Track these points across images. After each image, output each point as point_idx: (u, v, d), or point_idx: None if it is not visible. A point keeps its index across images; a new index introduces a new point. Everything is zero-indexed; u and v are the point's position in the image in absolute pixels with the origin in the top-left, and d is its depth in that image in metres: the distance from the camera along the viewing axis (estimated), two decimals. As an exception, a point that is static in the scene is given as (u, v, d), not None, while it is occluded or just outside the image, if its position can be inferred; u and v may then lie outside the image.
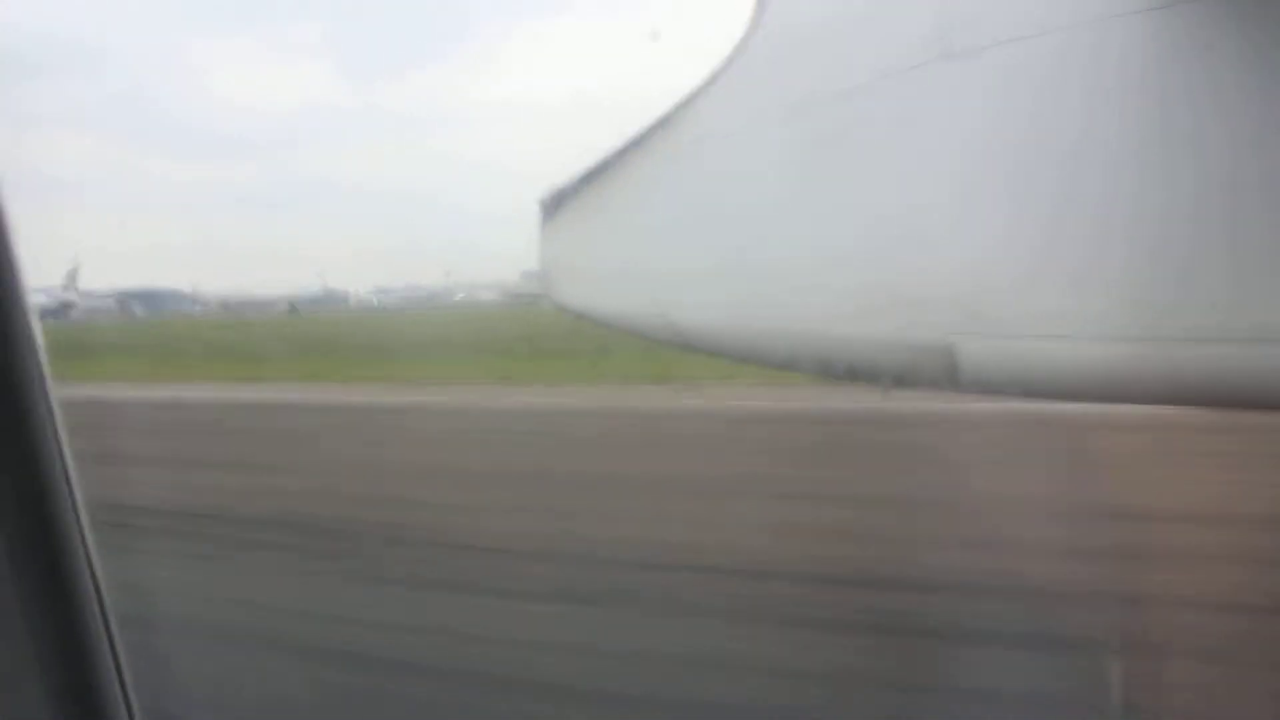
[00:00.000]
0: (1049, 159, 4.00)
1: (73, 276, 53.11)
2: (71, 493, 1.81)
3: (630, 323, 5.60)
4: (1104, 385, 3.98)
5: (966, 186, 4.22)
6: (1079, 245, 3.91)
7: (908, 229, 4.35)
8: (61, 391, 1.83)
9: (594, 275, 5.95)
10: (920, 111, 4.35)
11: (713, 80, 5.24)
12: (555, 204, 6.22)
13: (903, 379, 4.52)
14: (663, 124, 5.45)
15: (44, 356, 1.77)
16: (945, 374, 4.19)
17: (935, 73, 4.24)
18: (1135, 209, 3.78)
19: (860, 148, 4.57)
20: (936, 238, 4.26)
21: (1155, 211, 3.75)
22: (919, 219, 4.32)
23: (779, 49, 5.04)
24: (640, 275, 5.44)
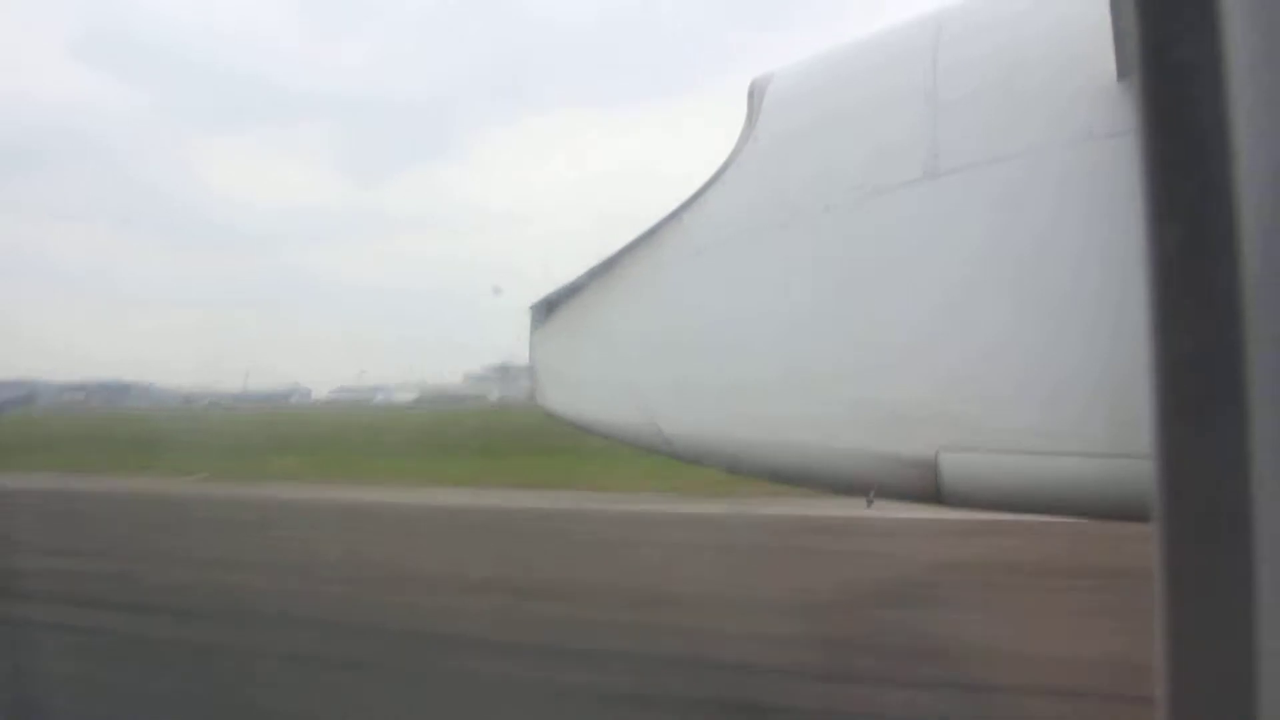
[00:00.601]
0: (1034, 276, 4.06)
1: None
2: None
3: (619, 431, 5.59)
4: (1087, 501, 3.97)
5: (951, 302, 4.27)
6: (1063, 361, 3.95)
7: (893, 343, 4.40)
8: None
9: (583, 383, 5.96)
10: (907, 228, 4.43)
11: (702, 192, 5.33)
12: (546, 310, 6.26)
13: (886, 491, 4.51)
14: (652, 234, 5.53)
15: None
16: (928, 487, 4.19)
17: (922, 190, 4.33)
18: (1119, 326, 3.81)
19: (847, 262, 4.65)
20: (921, 352, 4.31)
21: (1140, 328, 3.78)
22: (904, 334, 4.37)
23: (768, 163, 5.14)
24: (628, 384, 5.45)
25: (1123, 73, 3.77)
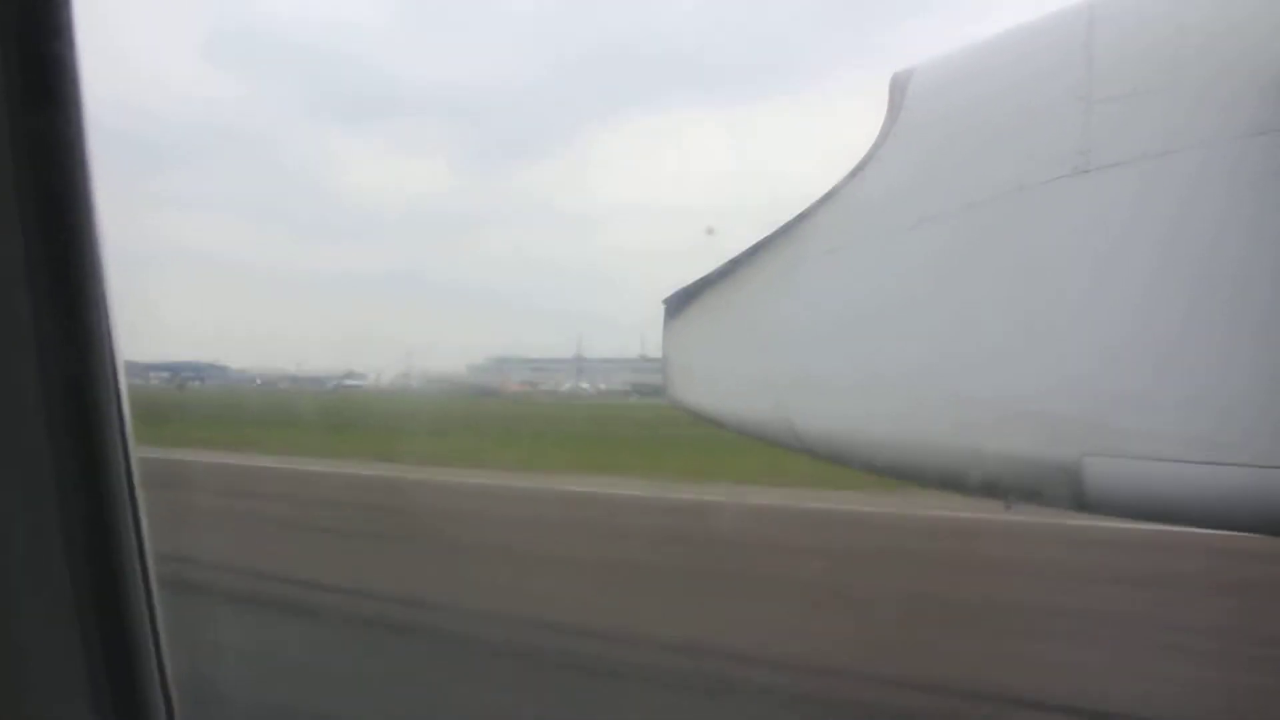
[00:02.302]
0: (1184, 277, 3.92)
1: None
2: (140, 542, 1.92)
3: (751, 426, 5.60)
4: (1248, 513, 3.80)
5: (1098, 302, 4.15)
6: (1218, 365, 3.80)
7: (1037, 343, 4.29)
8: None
9: (714, 377, 5.98)
10: (1054, 227, 4.31)
11: (839, 188, 5.29)
12: (679, 303, 6.31)
13: (1027, 495, 4.41)
14: (788, 230, 5.51)
15: (128, 416, 1.90)
16: (1071, 493, 4.07)
17: (1068, 187, 4.21)
18: (1276, 328, 3.65)
19: (990, 260, 4.55)
20: (1066, 353, 4.19)
21: None
22: (1048, 334, 4.26)
23: (909, 159, 5.07)
24: (762, 379, 5.45)
25: None
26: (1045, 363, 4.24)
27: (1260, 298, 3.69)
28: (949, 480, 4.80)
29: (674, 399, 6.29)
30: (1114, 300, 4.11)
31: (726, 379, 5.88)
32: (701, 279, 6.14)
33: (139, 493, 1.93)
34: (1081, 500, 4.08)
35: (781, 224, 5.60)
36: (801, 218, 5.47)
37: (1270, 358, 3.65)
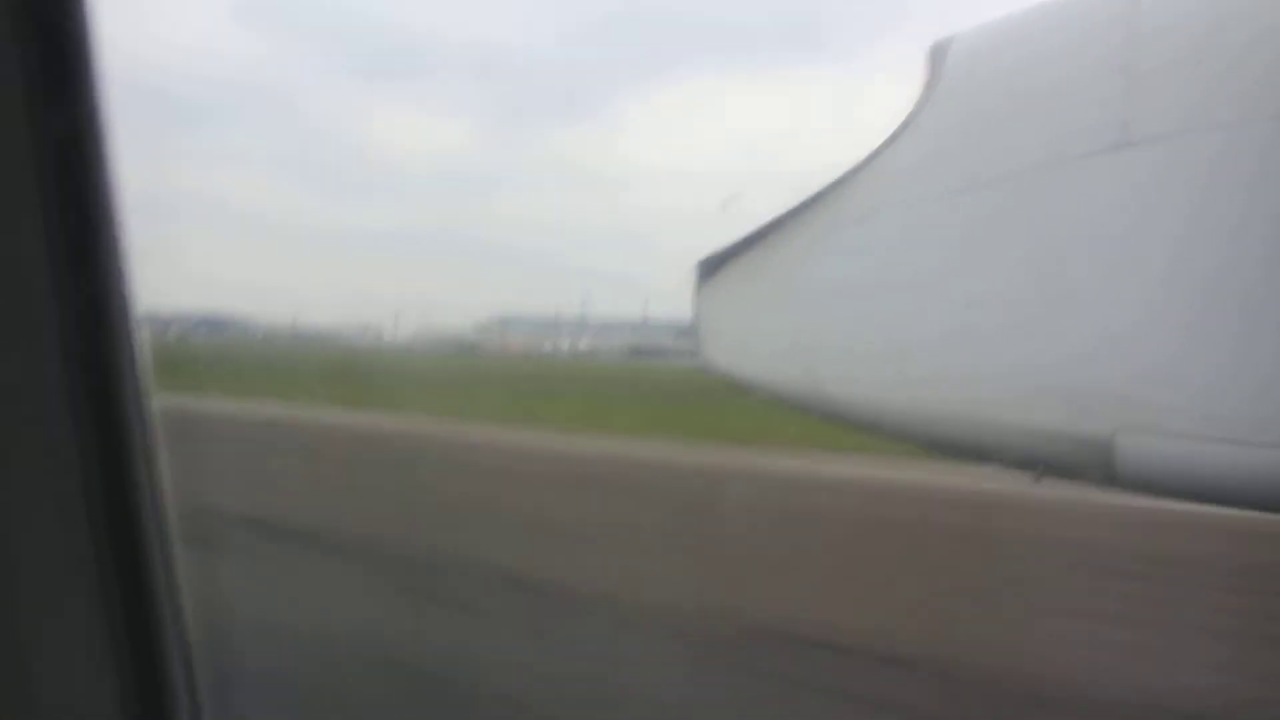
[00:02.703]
0: (1221, 253, 3.90)
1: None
2: (158, 505, 1.93)
3: (781, 391, 5.63)
4: (1273, 494, 3.82)
5: (1134, 277, 4.14)
6: (1255, 343, 3.79)
7: (1071, 316, 4.29)
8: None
9: (746, 341, 6.00)
10: (1092, 200, 4.29)
11: (874, 156, 5.26)
12: (712, 268, 6.31)
13: (1057, 470, 4.43)
14: (822, 197, 5.49)
15: (145, 370, 1.91)
16: (1102, 469, 4.10)
17: (1104, 162, 4.19)
18: None
19: (1025, 232, 4.54)
20: (1100, 327, 4.18)
21: None
22: (1083, 307, 4.25)
23: (947, 128, 5.04)
24: (794, 346, 5.47)
25: None
26: (1079, 336, 4.24)
27: None
28: (977, 451, 4.83)
29: (705, 363, 6.32)
30: (1150, 275, 4.09)
31: (758, 344, 5.89)
32: (735, 243, 6.13)
33: (157, 453, 1.92)
34: (1112, 477, 4.10)
35: (815, 190, 5.59)
36: (836, 184, 5.45)
37: None
